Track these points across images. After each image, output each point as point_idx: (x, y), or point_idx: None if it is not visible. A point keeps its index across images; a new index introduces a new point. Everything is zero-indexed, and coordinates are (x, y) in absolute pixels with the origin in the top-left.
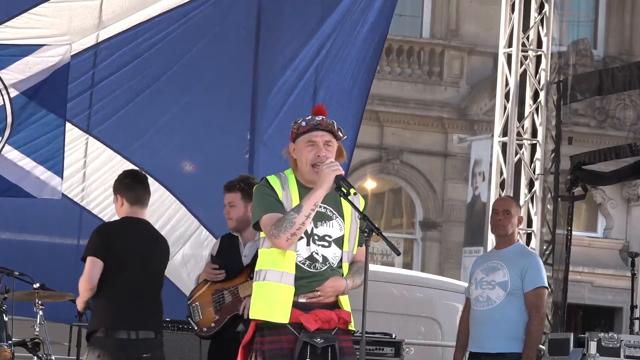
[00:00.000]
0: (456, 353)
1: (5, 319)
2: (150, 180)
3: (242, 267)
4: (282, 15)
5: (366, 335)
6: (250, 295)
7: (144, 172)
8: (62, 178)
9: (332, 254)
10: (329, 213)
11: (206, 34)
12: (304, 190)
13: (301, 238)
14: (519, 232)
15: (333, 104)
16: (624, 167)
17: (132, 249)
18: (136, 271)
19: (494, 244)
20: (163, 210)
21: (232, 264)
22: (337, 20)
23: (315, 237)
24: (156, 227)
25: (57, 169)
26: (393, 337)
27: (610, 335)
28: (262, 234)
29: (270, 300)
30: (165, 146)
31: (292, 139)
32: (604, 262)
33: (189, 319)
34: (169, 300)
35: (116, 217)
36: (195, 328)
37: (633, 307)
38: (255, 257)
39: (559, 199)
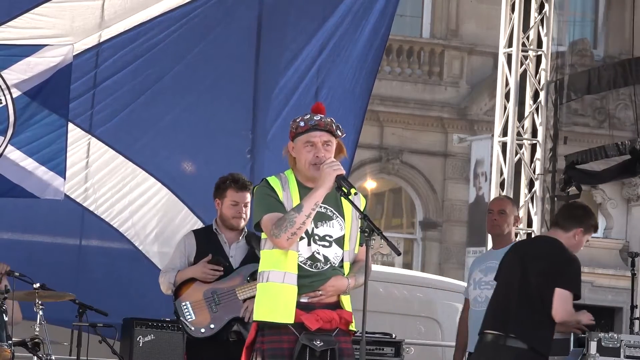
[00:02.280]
0: (456, 353)
1: (5, 319)
2: (153, 180)
3: (230, 267)
4: (284, 15)
5: (366, 335)
6: (250, 298)
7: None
8: (64, 178)
9: (334, 253)
10: (329, 213)
11: (208, 34)
12: (304, 189)
13: (302, 238)
14: (518, 232)
15: (335, 104)
16: (614, 166)
17: None
18: None
19: (492, 244)
20: (166, 210)
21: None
22: (339, 21)
23: (316, 237)
24: (159, 227)
25: (60, 169)
26: (393, 337)
27: (610, 335)
28: (263, 235)
29: (274, 301)
30: (168, 146)
31: (291, 138)
32: (604, 262)
33: (181, 318)
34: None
35: (117, 219)
36: (192, 328)
37: (633, 307)
38: (245, 258)
39: (555, 199)
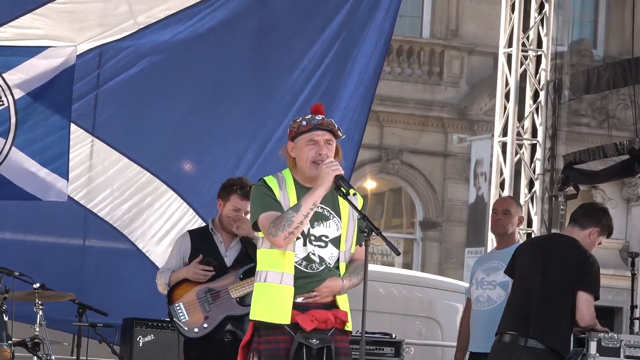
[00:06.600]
0: (457, 353)
1: (5, 319)
2: (157, 182)
3: (224, 266)
4: (288, 17)
5: (366, 335)
6: (244, 296)
7: None
8: (67, 180)
9: (329, 254)
10: (326, 213)
11: (211, 36)
12: (302, 189)
13: (298, 238)
14: (519, 232)
15: (340, 104)
16: (612, 166)
17: None
18: None
19: (494, 244)
20: (171, 212)
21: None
22: (344, 20)
23: (312, 238)
24: (164, 229)
25: (62, 171)
26: (393, 337)
27: (610, 335)
28: (260, 234)
29: (271, 301)
30: (171, 148)
31: (291, 138)
32: (604, 262)
33: (175, 319)
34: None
35: (121, 221)
36: (185, 329)
37: (633, 307)
38: (238, 257)
39: (552, 199)
